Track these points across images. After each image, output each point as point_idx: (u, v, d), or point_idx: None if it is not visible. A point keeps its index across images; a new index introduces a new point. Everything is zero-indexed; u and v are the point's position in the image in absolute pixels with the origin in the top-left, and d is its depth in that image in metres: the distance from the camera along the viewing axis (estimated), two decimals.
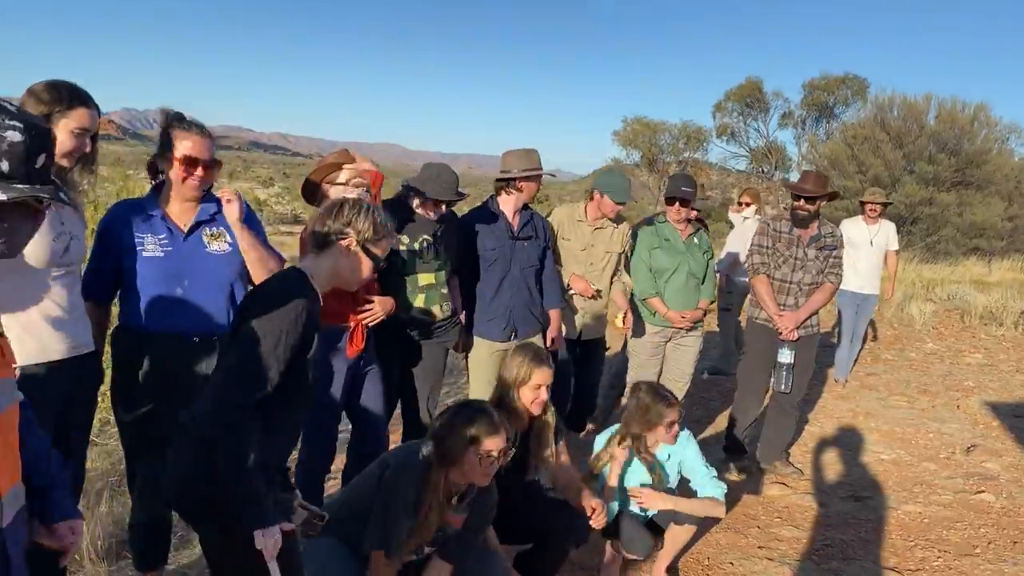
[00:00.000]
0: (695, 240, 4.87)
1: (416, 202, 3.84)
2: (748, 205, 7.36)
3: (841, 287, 6.05)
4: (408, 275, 3.77)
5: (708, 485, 3.53)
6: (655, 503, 3.45)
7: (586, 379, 4.91)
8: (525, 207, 4.36)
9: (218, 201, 2.95)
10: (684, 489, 3.66)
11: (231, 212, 2.88)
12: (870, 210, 7.10)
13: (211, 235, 2.90)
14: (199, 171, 2.80)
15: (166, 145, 2.81)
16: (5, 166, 1.44)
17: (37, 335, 2.48)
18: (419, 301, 3.80)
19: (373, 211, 2.35)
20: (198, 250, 2.86)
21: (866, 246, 7.13)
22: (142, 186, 7.91)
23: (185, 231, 2.85)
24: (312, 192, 3.54)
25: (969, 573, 3.85)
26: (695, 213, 4.94)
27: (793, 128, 35.37)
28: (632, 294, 4.85)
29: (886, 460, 5.45)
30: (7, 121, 1.45)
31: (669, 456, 3.64)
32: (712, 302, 4.93)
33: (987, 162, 21.30)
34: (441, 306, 3.85)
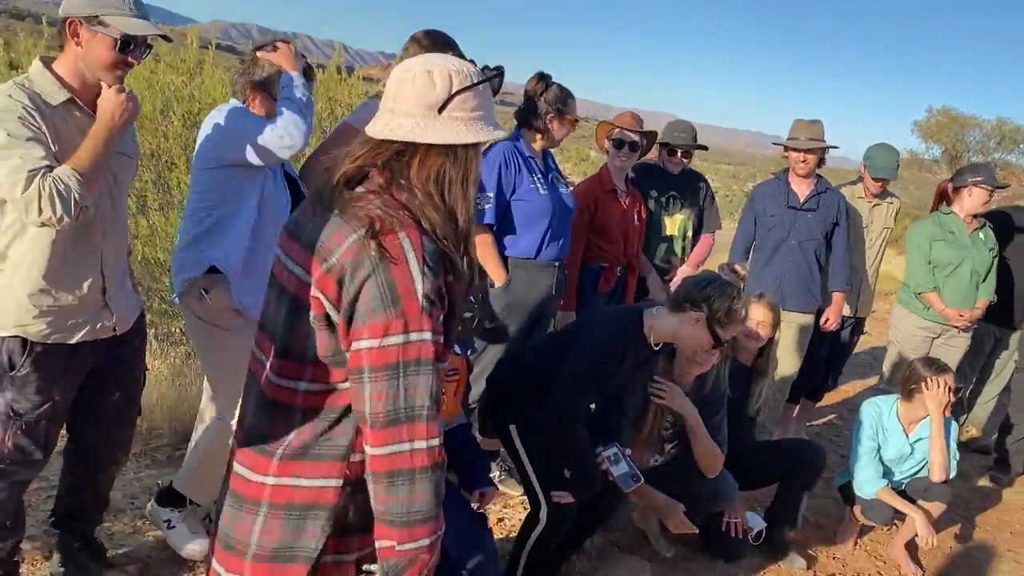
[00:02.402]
0: (980, 235, 4.69)
1: (662, 158, 4.38)
2: None
3: None
4: (654, 224, 4.27)
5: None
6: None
7: (839, 355, 4.98)
8: (820, 180, 4.51)
9: (548, 152, 3.62)
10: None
11: None
12: None
13: (557, 180, 3.53)
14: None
15: (562, 109, 3.47)
16: None
17: None
18: (660, 252, 4.34)
19: (734, 296, 2.68)
20: (557, 190, 3.48)
21: None
22: None
23: (550, 175, 3.48)
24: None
25: None
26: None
27: None
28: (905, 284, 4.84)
29: None
30: None
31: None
32: (991, 302, 4.73)
33: None
34: (680, 255, 4.38)
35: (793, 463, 3.52)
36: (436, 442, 1.43)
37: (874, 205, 4.75)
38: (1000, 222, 5.16)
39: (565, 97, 3.45)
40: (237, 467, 1.56)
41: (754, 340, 3.53)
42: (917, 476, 3.78)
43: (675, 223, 4.38)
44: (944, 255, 4.65)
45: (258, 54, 2.74)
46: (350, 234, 1.40)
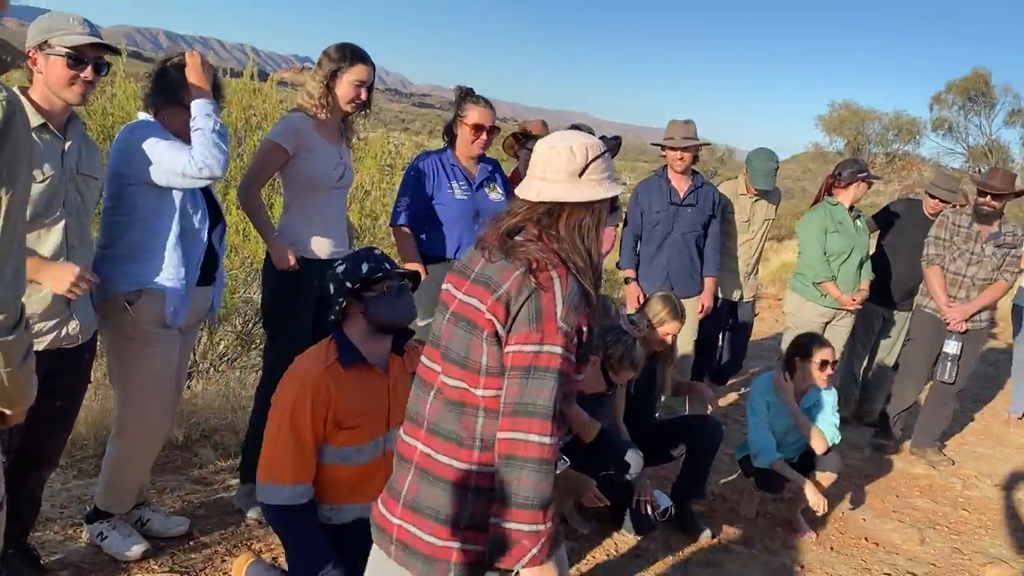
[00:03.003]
0: (859, 223, 5.08)
1: None
2: None
3: None
4: None
5: (826, 424, 3.95)
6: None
7: (737, 338, 5.33)
8: (695, 175, 4.83)
9: (490, 162, 3.78)
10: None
11: None
12: None
13: (490, 187, 3.73)
14: (483, 136, 3.62)
15: (460, 113, 3.62)
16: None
17: (311, 234, 3.31)
18: None
19: (631, 346, 3.03)
20: (485, 197, 3.69)
21: None
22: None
23: (476, 182, 3.67)
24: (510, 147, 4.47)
25: None
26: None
27: (1022, 127, 32.61)
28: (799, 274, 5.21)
29: None
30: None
31: (816, 402, 4.05)
32: (871, 280, 5.15)
33: None
34: None
35: (693, 438, 3.80)
36: (548, 440, 1.73)
37: (755, 200, 5.09)
38: (884, 213, 5.65)
39: (462, 101, 3.63)
40: (436, 455, 1.88)
41: (662, 345, 3.86)
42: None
43: None
44: (838, 245, 5.01)
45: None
46: (514, 271, 1.81)
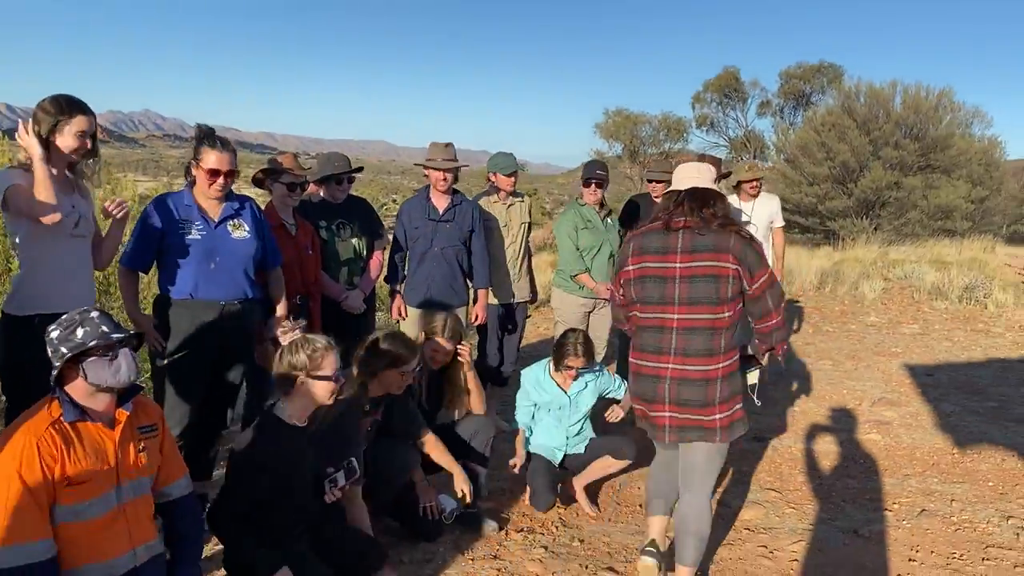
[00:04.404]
0: (609, 220, 5.53)
1: (323, 191, 4.76)
2: None
3: None
4: (331, 251, 4.66)
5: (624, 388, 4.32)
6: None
7: (511, 339, 5.62)
8: (455, 194, 5.06)
9: (240, 199, 3.77)
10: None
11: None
12: (750, 188, 6.49)
13: (234, 225, 3.69)
14: (220, 180, 3.58)
15: (196, 156, 3.57)
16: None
17: (52, 287, 3.19)
18: (344, 275, 4.73)
19: (303, 344, 3.00)
20: (226, 235, 3.63)
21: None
22: (131, 186, 8.53)
23: (216, 220, 3.61)
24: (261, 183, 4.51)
25: (839, 490, 4.58)
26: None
27: (772, 117, 36.08)
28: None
29: (796, 411, 6.18)
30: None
31: (586, 385, 4.38)
32: None
33: (951, 146, 21.90)
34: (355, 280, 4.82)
35: (467, 438, 3.97)
36: (783, 314, 3.17)
37: (509, 206, 5.40)
38: (626, 207, 6.12)
39: (199, 144, 3.60)
40: (689, 367, 3.06)
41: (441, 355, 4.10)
42: (579, 453, 4.42)
43: (349, 247, 4.71)
44: (588, 241, 5.40)
45: None
46: (730, 236, 3.03)
